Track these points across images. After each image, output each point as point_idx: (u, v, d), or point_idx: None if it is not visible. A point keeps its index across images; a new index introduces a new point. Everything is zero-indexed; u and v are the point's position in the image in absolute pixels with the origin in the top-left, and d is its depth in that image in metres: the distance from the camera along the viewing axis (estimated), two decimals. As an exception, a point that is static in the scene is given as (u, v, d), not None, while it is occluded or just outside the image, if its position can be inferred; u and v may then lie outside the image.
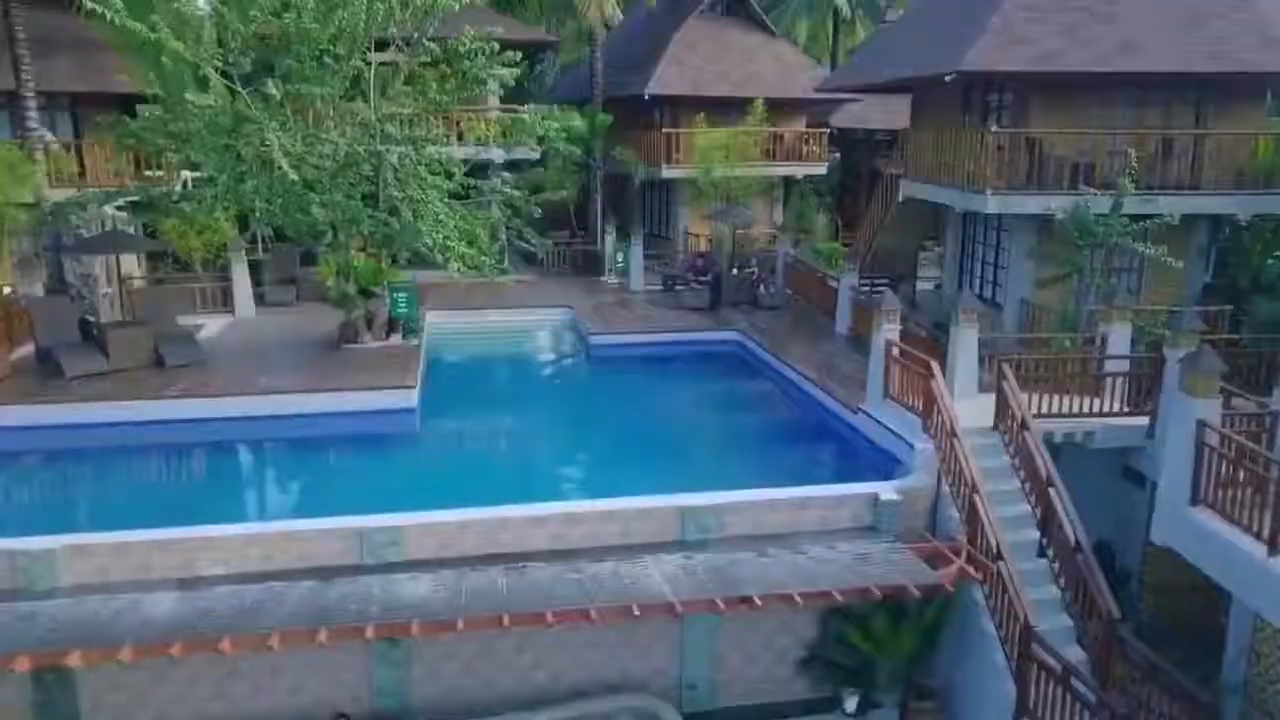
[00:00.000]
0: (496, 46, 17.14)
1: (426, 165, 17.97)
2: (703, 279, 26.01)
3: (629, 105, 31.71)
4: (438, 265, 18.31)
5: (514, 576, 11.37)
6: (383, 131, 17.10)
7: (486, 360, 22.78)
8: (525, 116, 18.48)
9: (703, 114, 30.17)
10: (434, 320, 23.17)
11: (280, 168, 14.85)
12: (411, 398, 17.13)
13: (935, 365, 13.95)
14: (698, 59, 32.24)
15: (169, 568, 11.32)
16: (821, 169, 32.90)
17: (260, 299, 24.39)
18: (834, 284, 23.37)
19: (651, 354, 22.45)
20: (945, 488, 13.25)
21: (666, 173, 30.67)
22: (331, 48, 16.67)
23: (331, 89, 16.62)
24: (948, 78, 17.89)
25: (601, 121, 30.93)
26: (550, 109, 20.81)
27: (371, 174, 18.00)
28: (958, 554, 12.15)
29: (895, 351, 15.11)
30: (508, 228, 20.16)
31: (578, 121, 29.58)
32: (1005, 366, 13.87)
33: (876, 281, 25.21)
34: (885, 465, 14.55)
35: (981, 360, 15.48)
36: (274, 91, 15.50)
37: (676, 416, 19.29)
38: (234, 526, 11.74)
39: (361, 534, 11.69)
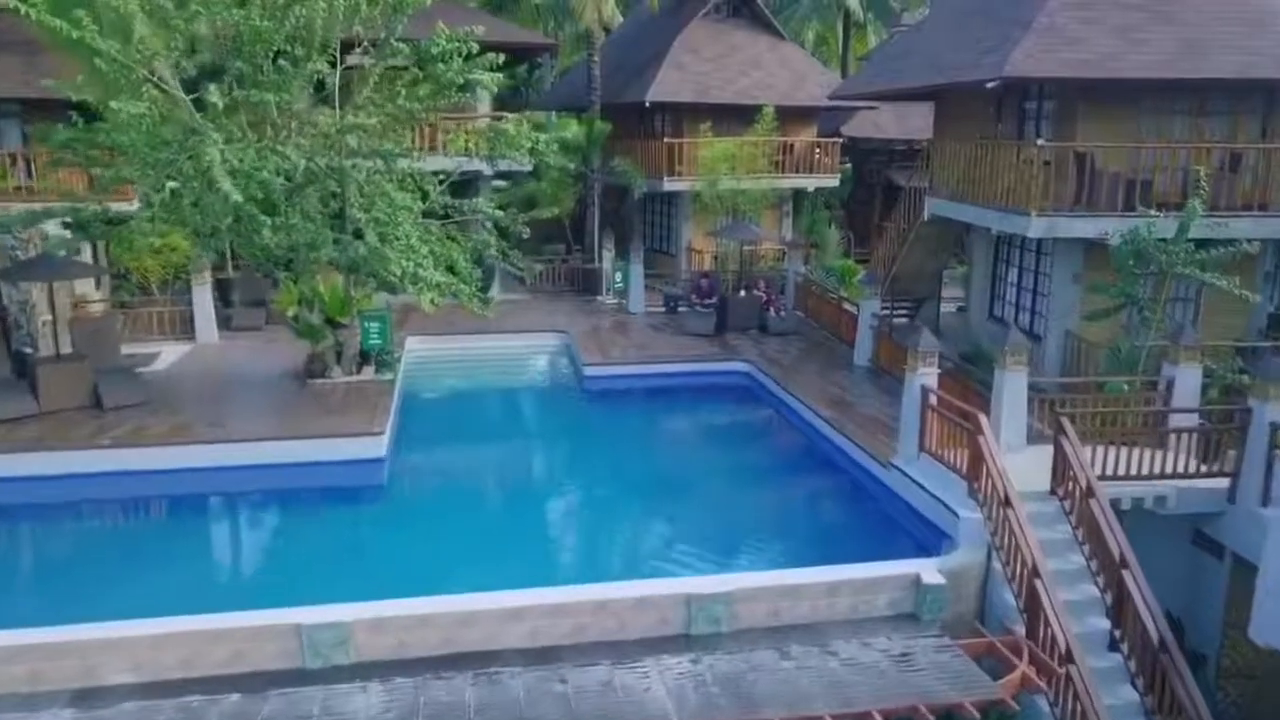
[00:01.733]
0: (475, 48, 15.08)
1: (398, 182, 15.95)
2: (708, 301, 24.06)
3: (629, 113, 29.84)
4: (416, 288, 16.26)
5: (484, 687, 9.46)
6: (345, 144, 14.99)
7: (468, 397, 20.61)
8: (509, 128, 16.36)
9: (708, 122, 28.18)
10: (413, 348, 21.16)
11: (220, 187, 12.75)
12: (380, 445, 15.05)
13: (983, 419, 11.95)
14: (701, 64, 30.24)
15: (64, 677, 9.39)
16: (834, 181, 30.92)
17: (227, 322, 22.47)
18: (850, 308, 21.48)
19: (652, 387, 20.38)
20: (996, 564, 11.33)
21: (668, 185, 28.68)
22: (289, 49, 14.66)
23: (288, 96, 14.58)
24: (989, 84, 15.82)
25: (599, 130, 29.00)
26: (546, 116, 18.70)
27: (338, 190, 16.02)
28: (1018, 653, 10.25)
29: (933, 400, 13.09)
30: (493, 252, 18.02)
31: (573, 130, 27.56)
32: (1065, 421, 11.88)
33: (897, 305, 23.24)
34: (923, 534, 12.58)
35: (1029, 404, 13.51)
36: (216, 99, 13.39)
37: (679, 468, 16.94)
38: (145, 623, 9.71)
39: (301, 631, 9.79)
